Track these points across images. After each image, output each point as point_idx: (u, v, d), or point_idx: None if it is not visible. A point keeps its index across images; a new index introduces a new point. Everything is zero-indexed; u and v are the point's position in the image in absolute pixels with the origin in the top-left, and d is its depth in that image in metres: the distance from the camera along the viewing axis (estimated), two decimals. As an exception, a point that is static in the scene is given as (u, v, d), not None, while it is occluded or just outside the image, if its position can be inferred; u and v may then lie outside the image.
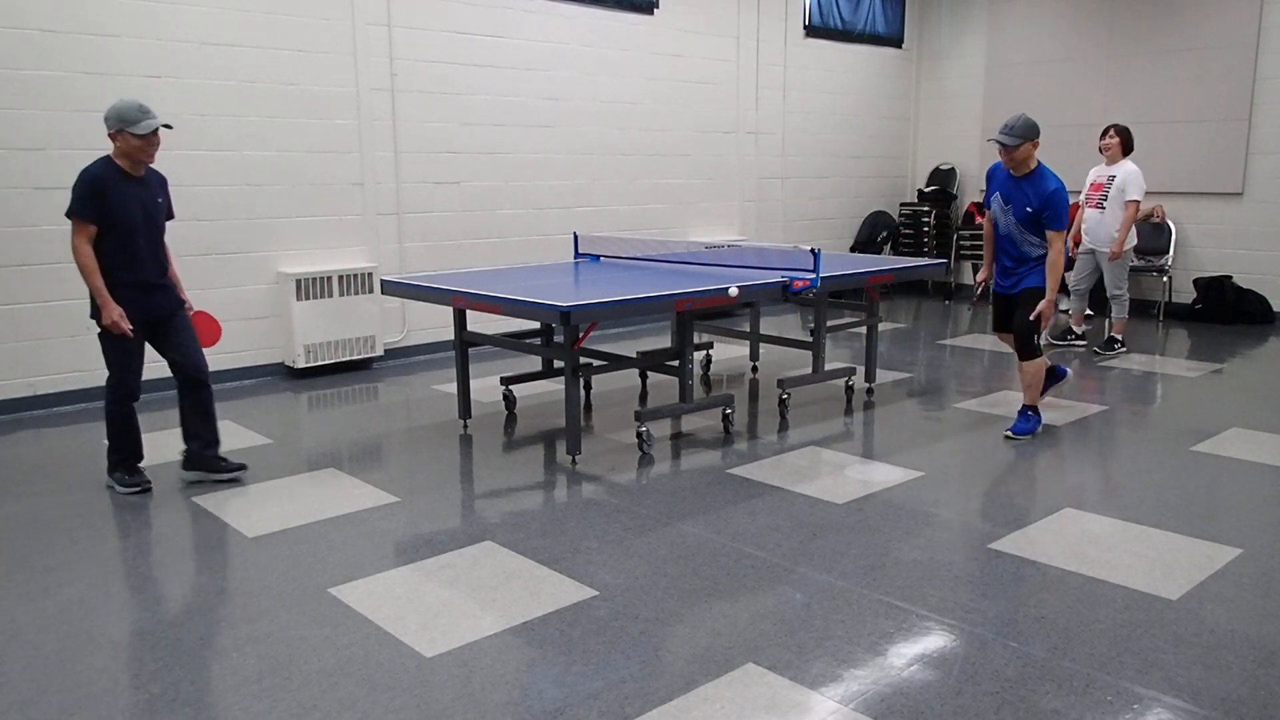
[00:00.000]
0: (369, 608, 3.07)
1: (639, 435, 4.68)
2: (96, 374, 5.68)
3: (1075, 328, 7.33)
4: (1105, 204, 6.80)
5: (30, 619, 3.03)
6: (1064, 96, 9.34)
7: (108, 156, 3.96)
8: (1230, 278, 8.49)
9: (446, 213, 7.04)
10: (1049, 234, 4.75)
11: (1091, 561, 3.39)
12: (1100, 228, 6.85)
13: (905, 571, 3.32)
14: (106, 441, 4.20)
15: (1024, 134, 4.72)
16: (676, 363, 4.96)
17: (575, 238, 6.19)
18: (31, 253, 5.44)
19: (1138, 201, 6.72)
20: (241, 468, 4.37)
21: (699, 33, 8.45)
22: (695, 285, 4.68)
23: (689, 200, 8.62)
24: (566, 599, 3.12)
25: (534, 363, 6.17)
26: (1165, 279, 8.77)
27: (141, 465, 4.26)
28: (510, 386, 5.55)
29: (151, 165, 4.12)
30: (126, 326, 3.98)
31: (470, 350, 5.27)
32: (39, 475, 4.45)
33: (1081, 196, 7.06)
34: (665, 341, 7.49)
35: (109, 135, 3.90)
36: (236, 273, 6.15)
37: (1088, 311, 8.77)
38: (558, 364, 5.45)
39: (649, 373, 6.26)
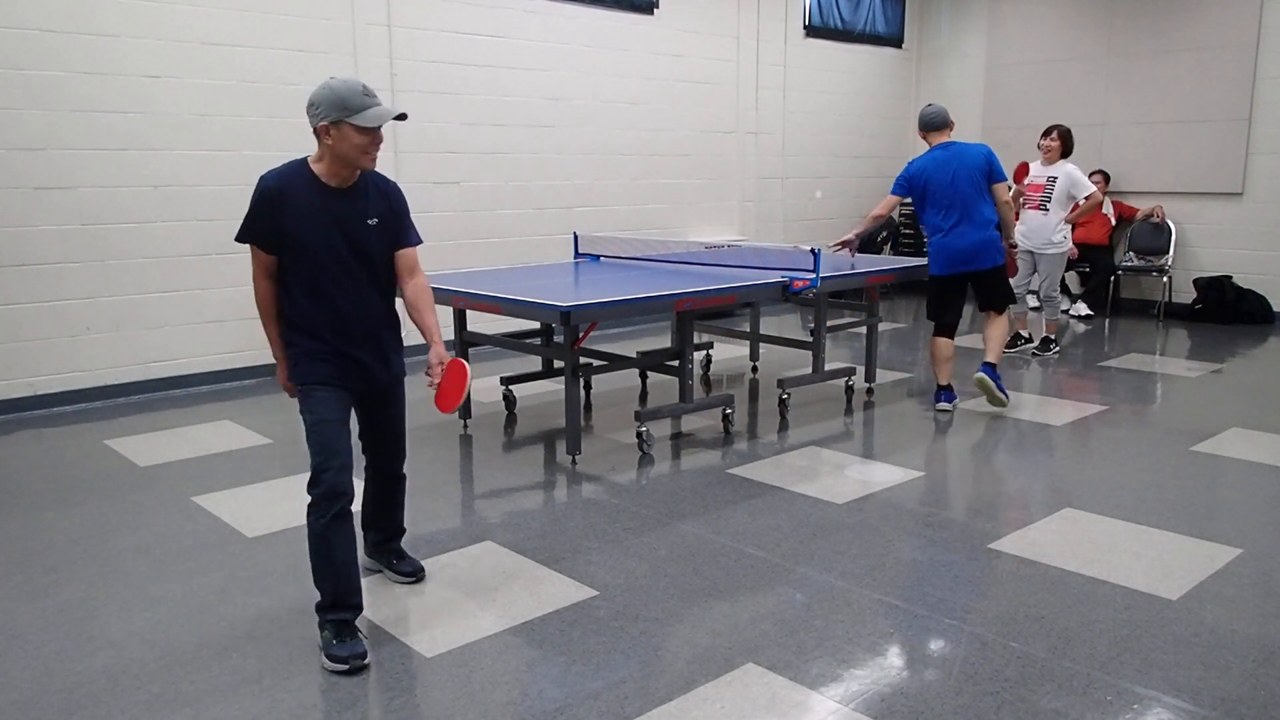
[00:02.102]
0: (369, 608, 3.07)
1: (639, 435, 4.68)
2: (96, 374, 5.70)
3: (1022, 332, 7.15)
4: (1048, 205, 6.69)
5: (30, 619, 3.03)
6: (1064, 96, 9.33)
7: (304, 159, 2.83)
8: (1230, 278, 8.49)
9: (446, 213, 7.04)
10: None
11: (1091, 561, 3.39)
12: (1043, 229, 6.73)
13: (905, 571, 3.32)
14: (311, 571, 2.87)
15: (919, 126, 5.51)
16: (676, 363, 4.96)
17: (575, 238, 6.19)
18: (31, 253, 5.44)
19: (1096, 191, 6.71)
20: (418, 571, 3.30)
21: (699, 33, 8.45)
22: (695, 285, 4.68)
23: (689, 200, 8.62)
24: (566, 599, 3.12)
25: (534, 363, 6.17)
26: (1165, 279, 8.77)
27: (358, 621, 2.87)
28: (510, 386, 5.55)
29: (374, 170, 2.89)
30: (326, 386, 2.86)
31: (470, 350, 5.27)
32: (39, 475, 4.44)
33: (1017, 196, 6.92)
34: (665, 341, 7.49)
35: (317, 129, 2.73)
36: (236, 273, 6.15)
37: (1087, 311, 8.79)
38: (558, 364, 5.45)
39: (649, 373, 6.26)
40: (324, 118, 2.70)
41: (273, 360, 3.04)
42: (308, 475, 2.79)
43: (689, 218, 8.61)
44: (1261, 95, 8.25)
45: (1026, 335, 7.16)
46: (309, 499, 2.79)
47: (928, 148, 5.39)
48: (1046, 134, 6.80)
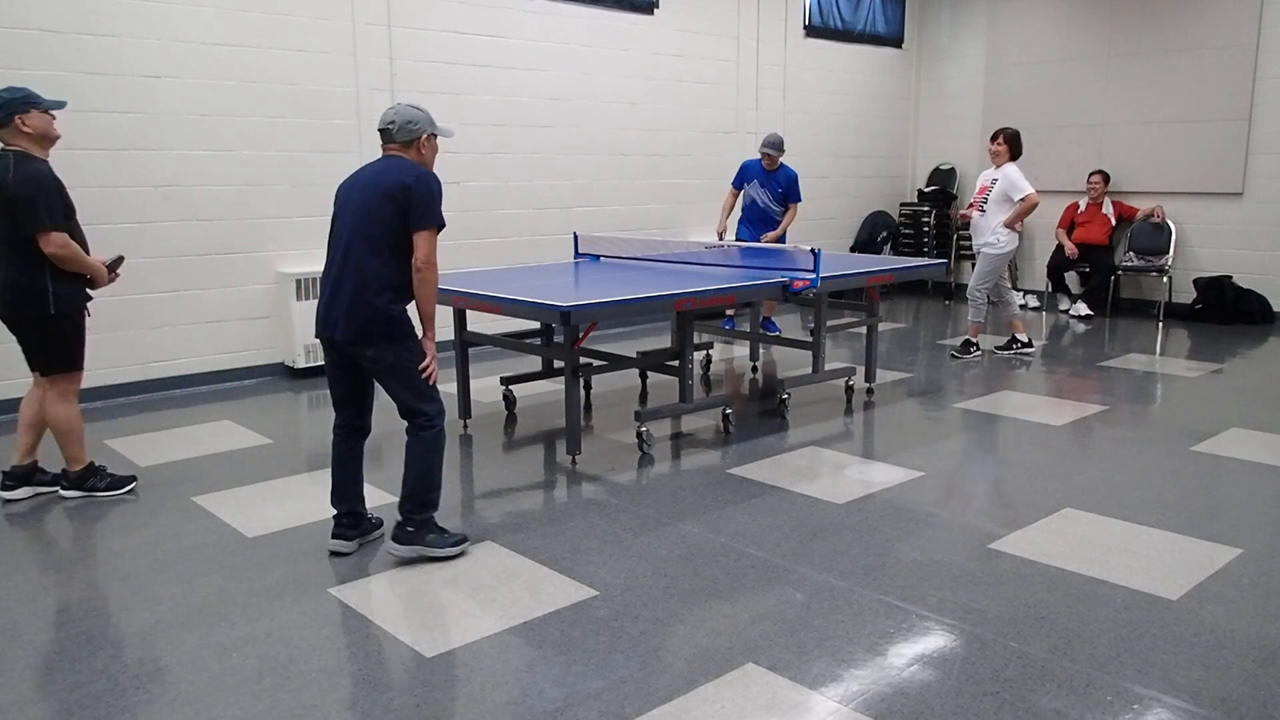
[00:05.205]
0: (369, 608, 3.07)
1: (639, 435, 4.68)
2: (97, 374, 5.69)
3: (1020, 335, 7.07)
4: (984, 207, 6.71)
5: (30, 619, 3.03)
6: (1064, 96, 9.34)
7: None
8: (1230, 278, 8.49)
9: (447, 213, 7.01)
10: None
11: (1091, 561, 3.39)
12: (980, 230, 6.77)
13: (905, 571, 3.32)
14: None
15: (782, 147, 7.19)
16: (676, 363, 4.96)
17: (575, 238, 6.19)
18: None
19: (1031, 193, 6.57)
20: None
21: (699, 33, 8.45)
22: (695, 285, 4.68)
23: (689, 200, 8.61)
24: (566, 599, 3.12)
25: (534, 363, 6.17)
26: (1165, 279, 8.77)
27: (342, 516, 3.51)
28: (510, 386, 5.55)
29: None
30: None
31: (470, 350, 5.27)
32: (39, 475, 4.44)
33: (972, 197, 6.94)
34: (665, 341, 7.49)
35: (417, 143, 3.39)
36: (236, 273, 6.15)
37: (1087, 311, 8.79)
38: (558, 364, 5.45)
39: (649, 373, 6.26)
40: (427, 130, 3.38)
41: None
42: (427, 412, 3.34)
43: (689, 218, 8.61)
44: (1261, 95, 8.24)
45: (1025, 339, 7.07)
46: (435, 425, 3.35)
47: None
48: (993, 138, 6.75)
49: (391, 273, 3.26)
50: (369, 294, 3.22)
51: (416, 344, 3.34)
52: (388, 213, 3.25)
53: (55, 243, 3.76)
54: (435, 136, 3.44)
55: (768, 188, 7.27)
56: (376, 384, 3.44)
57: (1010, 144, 6.70)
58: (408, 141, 3.38)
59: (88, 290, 4.00)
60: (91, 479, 4.13)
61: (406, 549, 3.39)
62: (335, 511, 3.51)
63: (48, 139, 3.90)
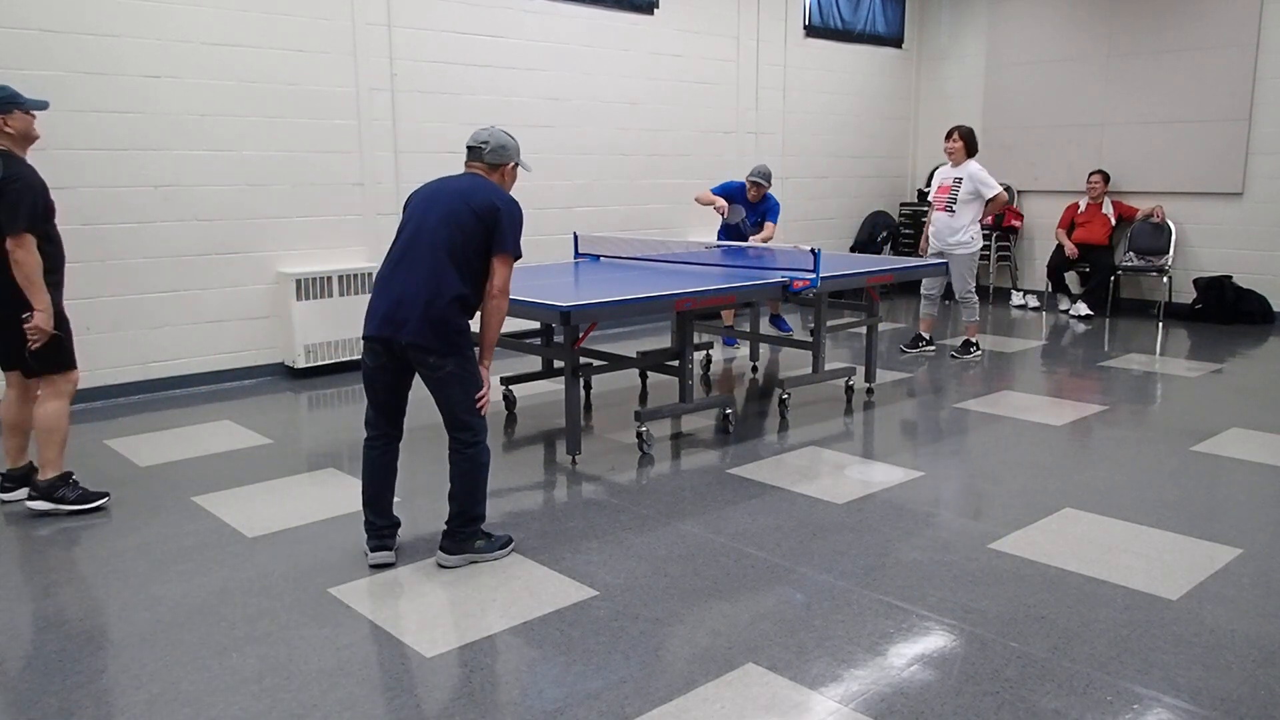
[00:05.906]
0: (369, 608, 3.07)
1: (639, 435, 4.68)
2: (97, 374, 5.70)
3: (924, 333, 7.11)
4: (954, 207, 6.65)
5: (30, 619, 3.03)
6: (1064, 96, 9.33)
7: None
8: (1230, 278, 8.49)
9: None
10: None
11: (1091, 561, 3.39)
12: (947, 231, 6.70)
13: (905, 571, 3.32)
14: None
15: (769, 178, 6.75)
16: (676, 363, 4.96)
17: (575, 238, 6.19)
18: (31, 253, 5.42)
19: (1000, 191, 6.59)
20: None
21: (699, 33, 8.45)
22: (695, 285, 4.68)
23: (689, 200, 8.60)
24: (566, 599, 3.12)
25: (534, 363, 6.17)
26: (1165, 279, 8.77)
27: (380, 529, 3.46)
28: (510, 386, 5.55)
29: None
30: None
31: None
32: (39, 475, 4.43)
33: (930, 198, 6.91)
34: (665, 341, 7.49)
35: (502, 168, 3.46)
36: (236, 273, 6.15)
37: (1087, 311, 8.79)
38: (558, 364, 5.45)
39: (649, 373, 6.26)
40: (514, 158, 3.48)
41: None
42: (474, 426, 3.35)
43: (689, 218, 8.61)
44: (1261, 95, 8.24)
45: (928, 337, 7.09)
46: (479, 441, 3.36)
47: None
48: (949, 136, 6.72)
49: (464, 286, 3.29)
50: (442, 302, 3.24)
51: (474, 357, 3.38)
52: (473, 229, 3.29)
53: (25, 245, 3.66)
54: (518, 167, 3.53)
55: (748, 216, 6.96)
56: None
57: (966, 141, 6.67)
58: (495, 165, 3.46)
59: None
60: (62, 489, 3.95)
61: (456, 558, 3.39)
62: (374, 523, 3.44)
63: (28, 139, 3.87)
